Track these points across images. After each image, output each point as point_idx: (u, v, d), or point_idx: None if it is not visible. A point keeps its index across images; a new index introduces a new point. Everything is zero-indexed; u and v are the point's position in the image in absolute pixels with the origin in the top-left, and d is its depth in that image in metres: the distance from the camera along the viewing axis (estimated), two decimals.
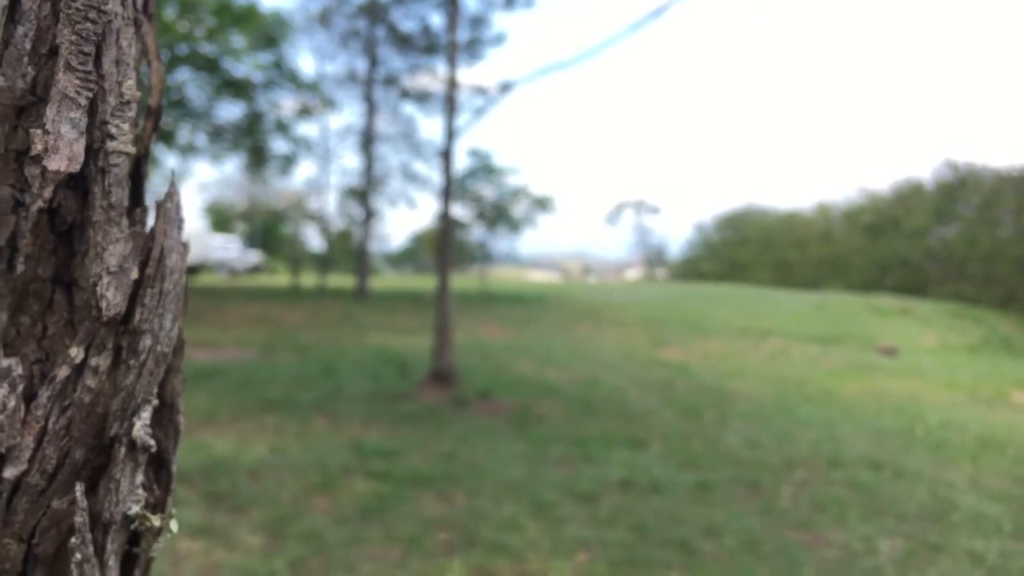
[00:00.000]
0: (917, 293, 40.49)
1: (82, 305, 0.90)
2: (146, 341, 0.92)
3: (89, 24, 0.86)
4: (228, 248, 44.75)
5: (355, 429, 7.91)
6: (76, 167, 0.85)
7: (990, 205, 43.41)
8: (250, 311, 21.00)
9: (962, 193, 45.85)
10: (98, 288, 0.88)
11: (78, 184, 0.90)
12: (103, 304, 0.88)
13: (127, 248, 0.91)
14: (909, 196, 49.38)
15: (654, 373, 12.99)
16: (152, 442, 0.92)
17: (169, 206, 0.96)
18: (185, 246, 0.98)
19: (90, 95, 0.87)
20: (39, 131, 0.83)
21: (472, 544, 4.92)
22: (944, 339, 23.16)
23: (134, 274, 0.91)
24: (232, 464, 6.33)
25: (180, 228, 0.97)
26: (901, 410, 10.84)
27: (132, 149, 0.92)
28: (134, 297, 0.91)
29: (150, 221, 0.98)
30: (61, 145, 0.83)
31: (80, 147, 0.85)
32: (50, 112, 0.83)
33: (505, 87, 14.66)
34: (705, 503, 6.04)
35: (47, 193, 0.84)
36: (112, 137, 0.90)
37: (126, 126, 0.91)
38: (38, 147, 0.82)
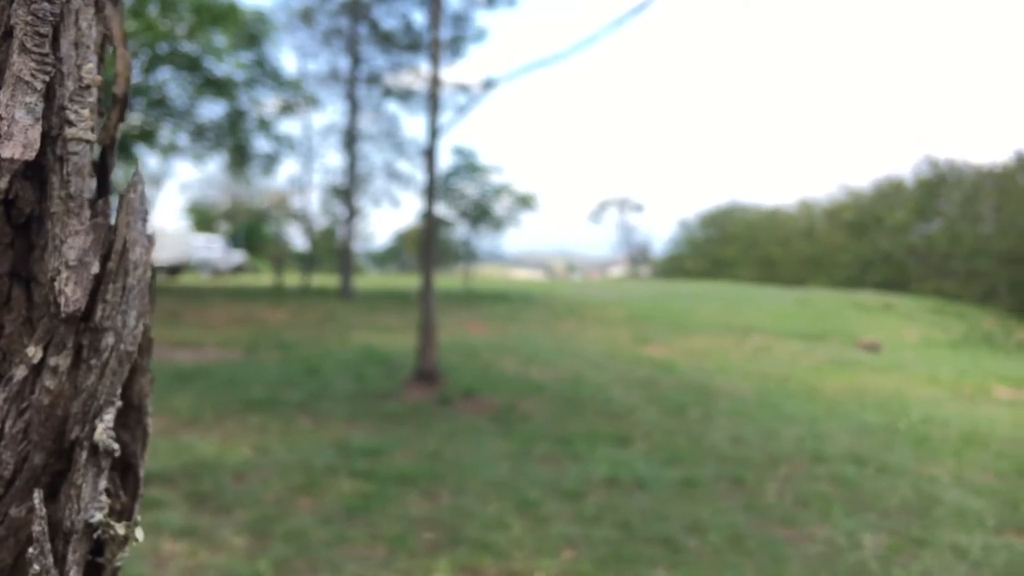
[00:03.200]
0: (899, 289, 40.75)
1: (41, 302, 0.86)
2: (108, 339, 0.87)
3: (46, 4, 0.82)
4: (211, 248, 44.56)
5: (339, 428, 7.87)
6: (31, 155, 0.80)
7: (971, 201, 43.75)
8: (233, 311, 20.90)
9: (943, 190, 46.20)
10: (56, 283, 0.83)
11: (36, 173, 0.85)
12: (62, 300, 0.83)
13: (87, 241, 0.86)
14: (890, 193, 49.74)
15: (638, 370, 13.00)
16: (115, 446, 0.87)
17: (132, 196, 0.91)
18: (150, 239, 0.93)
19: (47, 79, 0.82)
20: None
21: (457, 543, 4.90)
22: (926, 335, 23.30)
23: (95, 268, 0.86)
24: (216, 465, 6.29)
25: (145, 220, 0.92)
26: (884, 406, 10.89)
27: (92, 136, 0.87)
28: (95, 293, 0.87)
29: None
30: (15, 131, 0.79)
31: (36, 133, 0.81)
32: (3, 96, 0.79)
33: (488, 85, 14.64)
34: (690, 500, 6.04)
35: (2, 183, 0.80)
36: (71, 123, 0.85)
37: (86, 112, 0.86)
38: None
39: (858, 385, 12.93)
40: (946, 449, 8.25)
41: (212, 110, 24.96)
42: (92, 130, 0.87)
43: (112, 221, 0.92)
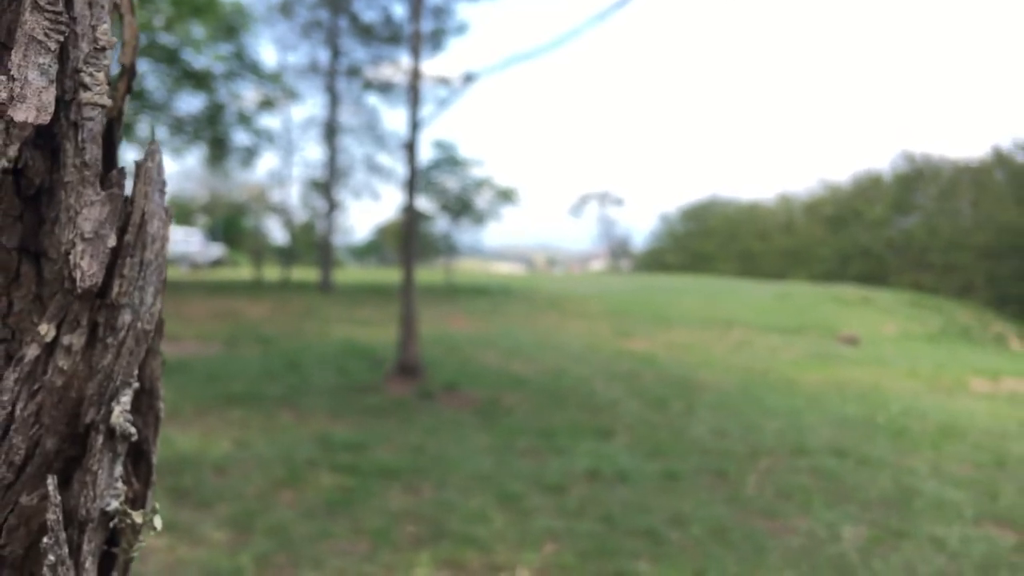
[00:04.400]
0: (878, 283, 40.97)
1: (52, 277, 0.81)
2: (125, 317, 0.82)
3: None
4: (189, 241, 44.24)
5: (321, 422, 7.85)
6: (46, 119, 0.75)
7: (948, 195, 44.10)
8: (212, 305, 20.78)
9: (920, 184, 46.55)
10: (71, 257, 0.78)
11: (47, 141, 0.80)
12: (77, 274, 0.78)
13: (103, 212, 0.81)
14: (868, 187, 50.04)
15: (620, 364, 13.03)
16: (133, 430, 0.83)
17: (150, 166, 0.86)
18: (168, 211, 0.88)
19: (61, 38, 0.76)
20: (3, 78, 0.73)
21: (440, 536, 4.89)
22: (904, 328, 23.48)
23: (111, 241, 0.81)
24: (197, 459, 6.25)
25: (163, 191, 0.87)
26: (863, 398, 10.97)
27: (108, 101, 0.82)
28: (111, 267, 0.82)
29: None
30: (28, 93, 0.74)
31: (50, 96, 0.75)
32: (15, 56, 0.74)
33: (469, 78, 14.63)
34: (672, 492, 6.06)
35: (12, 151, 0.74)
36: (86, 87, 0.80)
37: (101, 75, 0.81)
38: (2, 95, 0.72)
39: (838, 378, 13.01)
40: (925, 441, 8.32)
41: (191, 103, 24.76)
42: (108, 95, 0.82)
43: (128, 192, 0.87)
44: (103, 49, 0.82)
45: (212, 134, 25.97)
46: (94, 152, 0.81)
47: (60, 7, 0.77)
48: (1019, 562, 5.05)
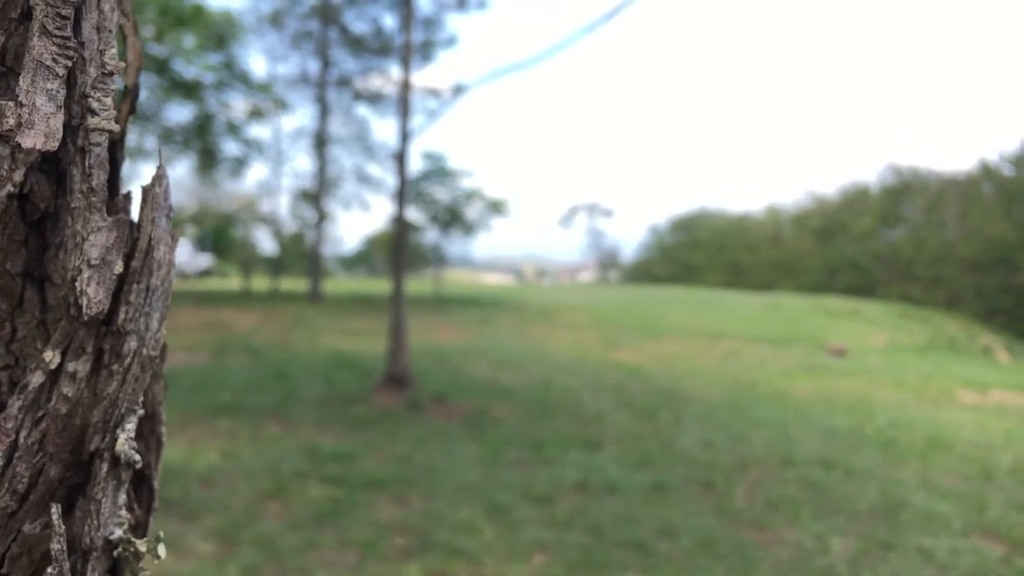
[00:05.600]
0: (865, 294, 41.13)
1: (56, 303, 0.80)
2: (131, 343, 0.82)
3: None
4: (177, 251, 44.11)
5: (309, 433, 7.82)
6: (54, 145, 0.74)
7: (935, 208, 44.33)
8: (200, 315, 20.70)
9: (908, 197, 46.79)
10: (77, 283, 0.77)
11: (52, 166, 0.79)
12: (83, 301, 0.77)
13: (110, 238, 0.80)
14: (856, 200, 50.26)
15: (609, 375, 13.02)
16: (138, 457, 0.82)
17: (157, 191, 0.85)
18: (174, 236, 0.88)
19: (69, 64, 0.76)
20: (10, 103, 0.72)
21: (428, 548, 4.88)
22: (892, 340, 23.54)
23: (118, 268, 0.81)
24: (183, 471, 6.22)
25: (169, 216, 0.87)
26: (851, 410, 10.99)
27: (115, 127, 0.81)
28: (117, 294, 0.81)
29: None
30: (36, 119, 0.73)
31: (58, 122, 0.75)
32: (23, 82, 0.73)
33: (459, 89, 14.64)
34: (660, 504, 6.06)
35: (18, 176, 0.73)
36: (93, 112, 0.79)
37: (108, 100, 0.80)
38: (9, 122, 0.72)
39: (826, 389, 13.04)
40: (912, 453, 8.34)
41: (180, 113, 24.73)
42: (115, 120, 0.82)
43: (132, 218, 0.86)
44: (111, 74, 0.81)
45: (201, 144, 25.93)
46: (101, 178, 0.80)
47: (68, 32, 0.76)
48: (1007, 574, 5.06)
